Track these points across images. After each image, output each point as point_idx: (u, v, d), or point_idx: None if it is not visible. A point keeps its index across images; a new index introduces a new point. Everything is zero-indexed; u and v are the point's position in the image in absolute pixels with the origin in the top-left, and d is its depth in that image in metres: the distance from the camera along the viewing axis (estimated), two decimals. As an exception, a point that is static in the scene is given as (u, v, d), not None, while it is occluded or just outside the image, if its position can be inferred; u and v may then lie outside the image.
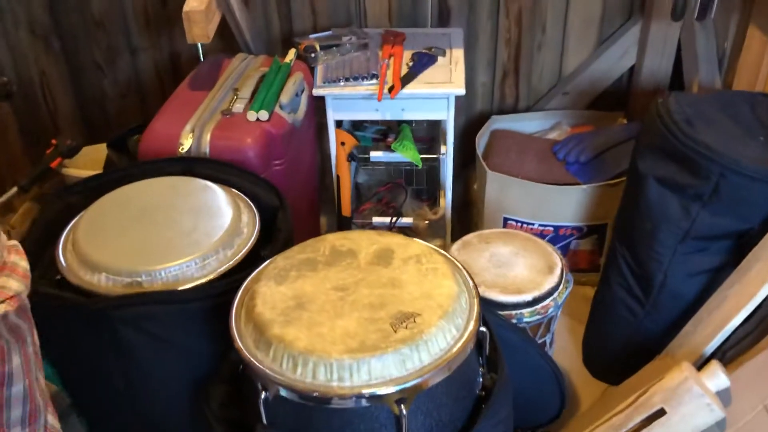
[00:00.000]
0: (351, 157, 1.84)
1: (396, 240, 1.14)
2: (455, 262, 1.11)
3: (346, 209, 1.89)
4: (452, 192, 1.94)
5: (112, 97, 2.17)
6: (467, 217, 2.22)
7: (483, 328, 1.04)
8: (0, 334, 0.82)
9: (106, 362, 1.20)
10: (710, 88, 1.83)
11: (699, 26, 1.81)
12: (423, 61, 1.77)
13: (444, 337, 0.97)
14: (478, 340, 1.04)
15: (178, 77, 2.14)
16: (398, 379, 0.93)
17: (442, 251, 1.13)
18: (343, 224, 1.92)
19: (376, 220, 1.95)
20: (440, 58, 1.81)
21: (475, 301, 1.04)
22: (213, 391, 1.13)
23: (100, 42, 2.08)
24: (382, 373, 0.93)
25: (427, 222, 1.98)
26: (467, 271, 1.09)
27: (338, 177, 1.86)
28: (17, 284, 0.83)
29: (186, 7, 1.48)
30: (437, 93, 1.72)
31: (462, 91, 1.71)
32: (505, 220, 1.92)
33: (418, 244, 1.13)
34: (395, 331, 0.96)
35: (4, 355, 0.83)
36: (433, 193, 2.10)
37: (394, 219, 1.92)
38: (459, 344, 0.97)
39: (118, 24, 2.06)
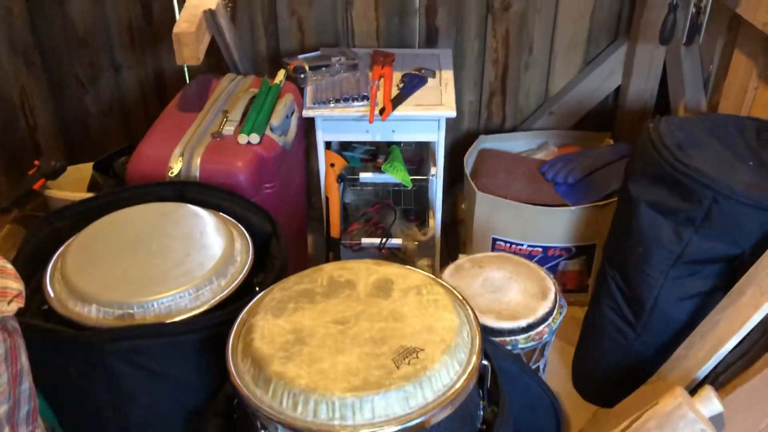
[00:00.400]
0: (340, 179, 1.82)
1: (394, 270, 1.12)
2: (455, 292, 1.10)
3: (335, 230, 1.87)
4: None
5: (94, 115, 2.13)
6: (455, 236, 2.21)
7: (485, 362, 1.03)
8: (11, 333, 0.85)
9: (95, 394, 1.17)
10: (696, 110, 1.86)
11: (685, 49, 1.83)
12: (413, 83, 1.77)
13: (447, 373, 0.95)
14: (480, 373, 1.03)
15: (162, 95, 2.11)
16: (401, 417, 0.91)
17: (441, 281, 1.12)
18: (331, 246, 1.90)
19: (365, 241, 1.94)
20: (430, 80, 1.81)
21: (477, 333, 1.03)
22: (207, 424, 1.10)
23: (82, 59, 2.04)
24: (385, 411, 0.91)
25: (416, 243, 1.97)
26: (468, 303, 1.08)
27: (327, 198, 1.84)
28: (16, 284, 0.86)
29: (176, 29, 1.45)
30: (428, 115, 1.71)
31: (453, 114, 1.71)
32: (494, 240, 1.92)
33: (417, 274, 1.12)
34: (398, 368, 0.94)
35: (16, 352, 0.86)
36: (422, 213, 2.09)
37: (384, 240, 1.91)
38: (462, 380, 0.96)
39: (101, 41, 2.02)
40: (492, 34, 2.05)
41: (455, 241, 2.19)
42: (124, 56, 2.05)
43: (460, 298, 1.09)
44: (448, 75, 1.84)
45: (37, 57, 2.03)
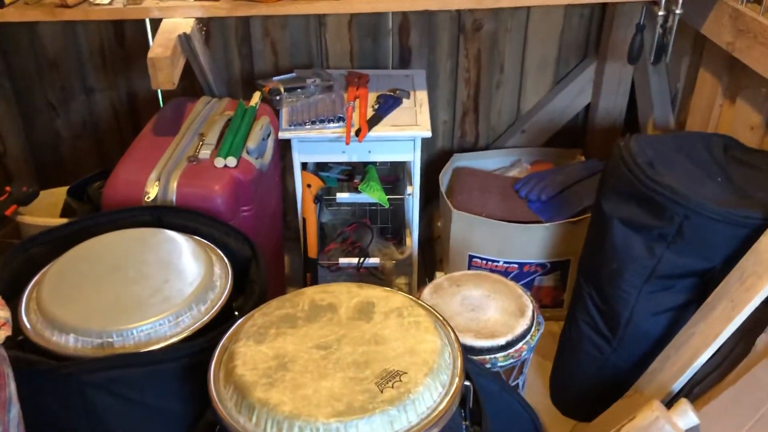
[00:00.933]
0: (317, 199, 1.82)
1: (376, 293, 1.13)
2: (436, 314, 1.11)
3: (313, 251, 1.87)
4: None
5: (66, 139, 2.11)
6: (431, 253, 2.23)
7: (467, 382, 1.04)
8: (2, 360, 0.86)
9: (74, 425, 1.15)
10: (665, 127, 1.90)
11: (652, 68, 1.88)
12: (388, 104, 1.78)
13: (430, 395, 0.96)
14: (462, 394, 1.03)
15: (135, 119, 2.10)
16: (386, 440, 0.92)
17: (422, 303, 1.13)
18: (309, 266, 1.89)
19: (342, 261, 1.94)
20: (405, 100, 1.83)
21: (458, 354, 1.04)
22: (188, 452, 1.10)
23: (53, 82, 2.02)
24: (370, 435, 0.91)
25: (394, 262, 1.98)
26: (449, 324, 1.09)
27: (304, 219, 1.85)
28: (2, 312, 0.86)
29: (151, 54, 1.45)
30: (404, 135, 1.73)
31: (428, 134, 1.72)
32: (471, 257, 1.94)
33: (398, 296, 1.12)
34: (382, 392, 0.95)
35: (5, 380, 0.87)
36: (398, 231, 2.10)
37: (362, 260, 1.91)
38: (445, 401, 0.96)
39: (72, 64, 2.01)
40: (464, 54, 2.08)
41: (432, 259, 2.21)
42: (97, 79, 2.03)
43: (441, 319, 1.10)
44: (422, 95, 1.87)
45: (6, 80, 2.00)
